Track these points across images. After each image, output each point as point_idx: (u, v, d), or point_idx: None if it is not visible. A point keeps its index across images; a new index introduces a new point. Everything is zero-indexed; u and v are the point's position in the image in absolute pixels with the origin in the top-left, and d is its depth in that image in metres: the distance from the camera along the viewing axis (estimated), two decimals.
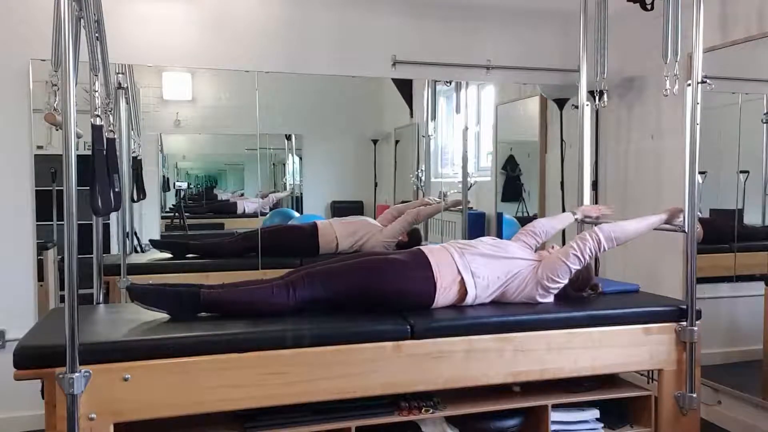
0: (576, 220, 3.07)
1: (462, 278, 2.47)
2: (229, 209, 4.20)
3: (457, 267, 2.48)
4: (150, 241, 3.67)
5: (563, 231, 3.99)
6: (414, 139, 4.18)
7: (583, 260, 2.54)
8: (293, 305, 2.34)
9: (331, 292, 2.38)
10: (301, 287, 2.35)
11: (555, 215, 3.13)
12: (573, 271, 2.55)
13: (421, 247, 2.62)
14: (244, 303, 2.35)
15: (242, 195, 4.20)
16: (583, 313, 2.53)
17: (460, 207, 4.03)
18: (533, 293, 2.53)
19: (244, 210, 4.16)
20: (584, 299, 2.67)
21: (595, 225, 2.74)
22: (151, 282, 2.49)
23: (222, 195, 4.25)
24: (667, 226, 2.77)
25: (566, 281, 2.56)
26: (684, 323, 2.58)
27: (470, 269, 2.48)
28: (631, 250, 3.88)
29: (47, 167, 3.23)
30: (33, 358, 1.93)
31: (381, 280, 2.42)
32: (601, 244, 2.55)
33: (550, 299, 2.57)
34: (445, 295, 2.46)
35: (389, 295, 2.42)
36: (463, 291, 2.48)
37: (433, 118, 4.08)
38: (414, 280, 2.44)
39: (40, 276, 3.26)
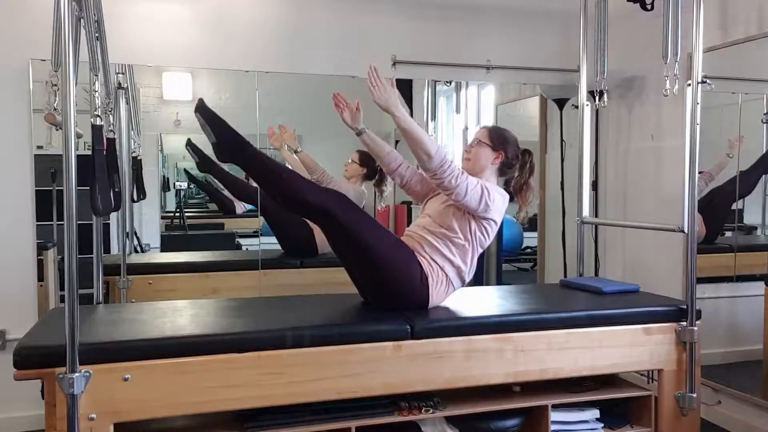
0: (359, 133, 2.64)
1: (438, 264, 2.44)
2: (228, 209, 4.19)
3: (430, 256, 2.45)
4: (188, 139, 3.69)
5: (563, 231, 4.04)
6: None
7: (459, 181, 2.34)
8: (308, 206, 2.35)
9: (339, 233, 2.38)
10: (328, 206, 2.32)
11: (381, 148, 2.67)
12: (470, 185, 2.37)
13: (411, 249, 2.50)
14: (278, 177, 2.41)
15: None
16: (583, 313, 2.53)
17: None
18: (479, 224, 2.47)
19: (244, 209, 4.16)
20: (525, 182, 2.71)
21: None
22: None
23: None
24: (666, 227, 2.73)
25: (492, 198, 2.42)
26: (684, 323, 2.58)
27: (437, 249, 2.45)
28: (631, 250, 3.89)
29: (47, 167, 3.23)
30: (33, 358, 1.92)
31: (384, 257, 2.38)
32: (434, 164, 2.32)
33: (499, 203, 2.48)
34: (438, 289, 2.45)
35: (386, 276, 2.39)
36: (445, 274, 2.46)
37: (433, 118, 4.08)
38: (411, 277, 2.41)
39: (40, 276, 3.26)
